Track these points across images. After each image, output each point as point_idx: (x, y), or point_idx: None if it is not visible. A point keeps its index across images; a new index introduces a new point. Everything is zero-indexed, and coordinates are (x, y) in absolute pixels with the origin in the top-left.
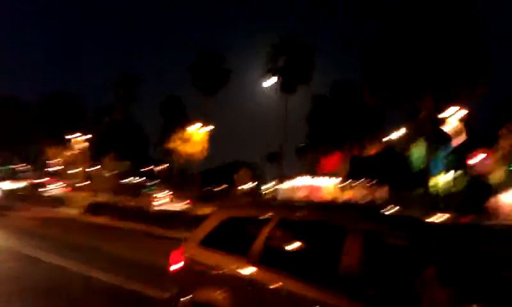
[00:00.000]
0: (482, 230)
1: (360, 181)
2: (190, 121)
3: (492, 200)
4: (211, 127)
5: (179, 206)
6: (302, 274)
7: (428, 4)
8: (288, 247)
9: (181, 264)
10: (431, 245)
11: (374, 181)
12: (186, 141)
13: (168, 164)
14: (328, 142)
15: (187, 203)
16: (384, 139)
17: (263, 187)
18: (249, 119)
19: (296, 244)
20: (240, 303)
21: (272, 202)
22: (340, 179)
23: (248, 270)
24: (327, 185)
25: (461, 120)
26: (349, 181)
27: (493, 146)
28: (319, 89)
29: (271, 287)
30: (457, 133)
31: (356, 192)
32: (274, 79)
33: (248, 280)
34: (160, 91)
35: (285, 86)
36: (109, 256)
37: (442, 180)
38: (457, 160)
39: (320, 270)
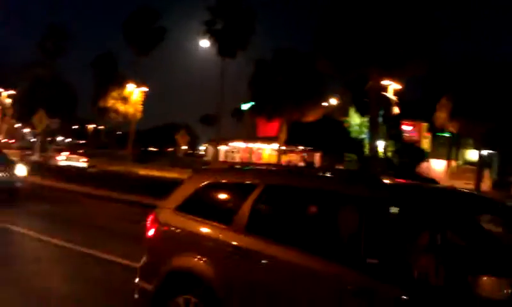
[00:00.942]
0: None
1: (297, 147)
2: (125, 80)
3: (423, 165)
4: (145, 88)
5: (80, 163)
6: (292, 243)
7: None
8: (277, 215)
9: (155, 230)
10: (428, 212)
11: (309, 148)
12: (124, 100)
13: (95, 125)
14: (269, 107)
15: (86, 161)
16: (323, 104)
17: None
18: (185, 80)
19: (285, 212)
20: (223, 271)
21: (257, 167)
22: (277, 144)
23: (233, 238)
24: (264, 150)
25: (395, 93)
26: (285, 147)
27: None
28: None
29: (259, 256)
30: (392, 105)
31: (292, 157)
32: (207, 42)
33: (233, 248)
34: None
35: (222, 50)
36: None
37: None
38: (388, 129)
39: (314, 238)
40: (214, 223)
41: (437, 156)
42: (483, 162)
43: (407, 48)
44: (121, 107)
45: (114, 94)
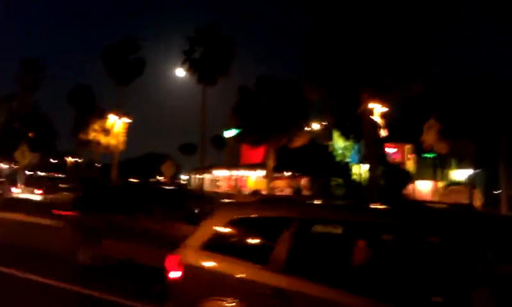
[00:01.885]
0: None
1: (285, 173)
2: (105, 112)
3: (409, 187)
4: (128, 119)
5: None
6: (340, 283)
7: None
8: (320, 252)
9: (179, 273)
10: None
11: (296, 174)
12: (106, 131)
13: (74, 158)
14: (255, 134)
15: (40, 194)
16: (308, 130)
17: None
18: (164, 110)
19: (330, 248)
20: None
21: (289, 200)
22: (263, 171)
23: (271, 279)
24: (249, 177)
25: (382, 116)
26: (267, 173)
27: (404, 139)
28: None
29: (303, 299)
30: (377, 127)
31: (279, 184)
32: (182, 71)
33: (272, 290)
34: (71, 80)
35: (202, 77)
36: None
37: (358, 170)
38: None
39: (364, 277)
40: (247, 262)
41: (422, 177)
42: (471, 181)
43: (400, 68)
44: (103, 139)
45: (96, 126)
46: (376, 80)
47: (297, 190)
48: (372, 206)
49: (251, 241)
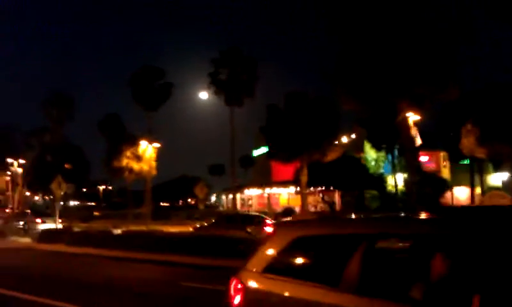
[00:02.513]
0: None
1: (316, 188)
2: (136, 138)
3: (446, 195)
4: (158, 144)
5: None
6: (421, 303)
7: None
8: (393, 270)
9: (241, 298)
10: None
11: (328, 188)
12: (138, 158)
13: (108, 185)
14: (286, 151)
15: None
16: (338, 143)
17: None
18: (192, 133)
19: (402, 265)
20: None
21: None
22: (293, 187)
23: (345, 302)
24: (281, 194)
25: (415, 124)
26: (302, 189)
27: (436, 147)
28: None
29: None
30: (414, 136)
31: (313, 199)
32: (205, 94)
33: None
34: (99, 109)
35: (228, 99)
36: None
37: (393, 181)
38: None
39: (444, 294)
40: (314, 284)
41: (458, 184)
42: (506, 184)
43: (436, 75)
44: (135, 165)
45: (128, 153)
46: (413, 89)
47: (331, 205)
48: (447, 217)
49: (316, 261)
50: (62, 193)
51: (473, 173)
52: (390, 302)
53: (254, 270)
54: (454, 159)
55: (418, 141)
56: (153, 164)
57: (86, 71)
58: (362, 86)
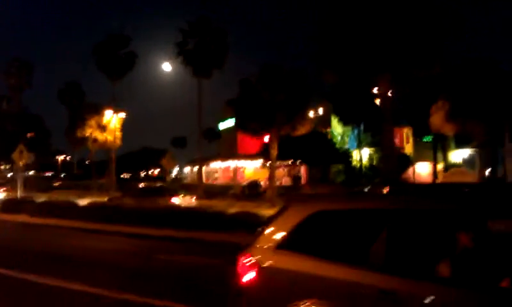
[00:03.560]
0: None
1: (283, 162)
2: (100, 108)
3: (409, 170)
4: (123, 114)
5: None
6: (450, 281)
7: None
8: (421, 247)
9: (253, 275)
10: None
11: (296, 162)
12: (102, 128)
13: (67, 155)
14: (257, 123)
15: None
16: (309, 117)
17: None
18: (154, 104)
19: (430, 241)
20: None
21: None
22: (260, 160)
23: (374, 280)
24: (245, 168)
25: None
26: (272, 162)
27: (401, 123)
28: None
29: (415, 300)
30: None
31: (280, 172)
32: (169, 65)
33: (377, 292)
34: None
35: (197, 70)
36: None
37: (358, 156)
38: (371, 136)
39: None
40: (335, 261)
41: (420, 160)
42: (468, 161)
43: (420, 50)
44: (99, 135)
45: (92, 122)
46: (397, 63)
47: (296, 179)
48: (471, 193)
49: (336, 238)
50: (24, 163)
51: (436, 150)
52: (417, 280)
53: (267, 246)
54: (417, 135)
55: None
56: (118, 134)
57: (48, 40)
58: (346, 59)
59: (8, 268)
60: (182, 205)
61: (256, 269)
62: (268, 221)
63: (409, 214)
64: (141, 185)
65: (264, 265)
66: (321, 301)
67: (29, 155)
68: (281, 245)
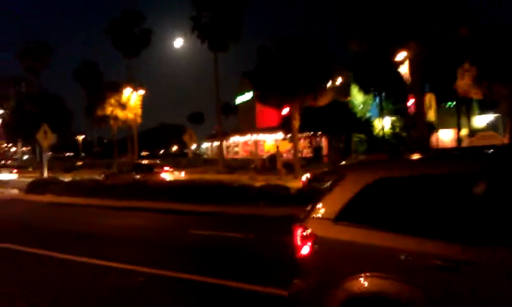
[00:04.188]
0: None
1: (303, 134)
2: (118, 86)
3: (433, 137)
4: (143, 91)
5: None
6: None
7: None
8: (498, 214)
9: (311, 248)
10: None
11: (315, 133)
12: (123, 106)
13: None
14: (278, 95)
15: (15, 172)
16: (330, 87)
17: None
18: (172, 80)
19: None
20: (434, 292)
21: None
22: (284, 133)
23: (440, 249)
24: (266, 141)
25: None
26: (294, 134)
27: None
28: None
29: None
30: (406, 78)
31: (301, 144)
32: (180, 41)
33: (443, 262)
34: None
35: (212, 44)
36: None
37: (380, 125)
38: (393, 104)
39: None
40: (401, 233)
41: (443, 127)
42: (492, 126)
43: (449, 13)
44: (120, 113)
45: (112, 100)
46: (424, 27)
47: (317, 150)
48: None
49: (400, 206)
50: (48, 143)
51: (459, 115)
52: (496, 247)
53: (324, 217)
54: (440, 101)
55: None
56: (139, 111)
57: (63, 20)
58: (372, 25)
59: (40, 247)
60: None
61: (313, 241)
62: (324, 191)
63: (488, 177)
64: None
65: (322, 238)
66: (381, 274)
67: (53, 136)
68: (340, 216)
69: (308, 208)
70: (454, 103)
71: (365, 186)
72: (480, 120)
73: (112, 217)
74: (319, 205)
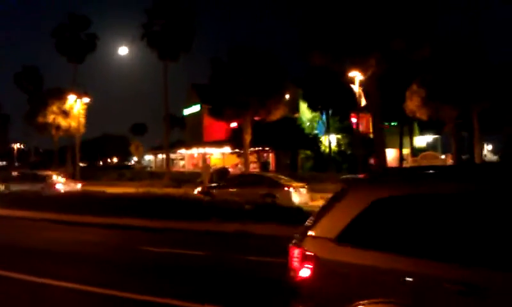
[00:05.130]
0: None
1: (252, 148)
2: (62, 92)
3: (373, 157)
4: (88, 99)
5: None
6: None
7: None
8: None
9: (309, 271)
10: None
11: (265, 147)
12: (66, 113)
13: (23, 143)
14: (230, 108)
15: None
16: (283, 101)
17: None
18: (116, 89)
19: None
20: None
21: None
22: (228, 147)
23: (455, 273)
24: (211, 155)
25: (360, 84)
26: (245, 148)
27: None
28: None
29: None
30: (360, 95)
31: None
32: (125, 49)
33: (459, 286)
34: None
35: (163, 53)
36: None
37: (326, 142)
38: (339, 121)
39: None
40: (410, 256)
41: (387, 146)
42: (431, 146)
43: (411, 30)
44: (62, 121)
45: (54, 108)
46: (388, 43)
47: (264, 165)
48: None
49: (408, 227)
50: None
51: (402, 135)
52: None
53: (324, 237)
54: (383, 120)
55: (363, 102)
56: (83, 120)
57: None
58: (335, 37)
59: None
60: (66, 191)
61: (314, 263)
62: (324, 208)
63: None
64: (15, 172)
65: (324, 260)
66: (391, 299)
67: None
68: (343, 236)
69: (307, 225)
70: (396, 123)
71: (371, 203)
72: (420, 140)
73: (54, 231)
74: (319, 224)
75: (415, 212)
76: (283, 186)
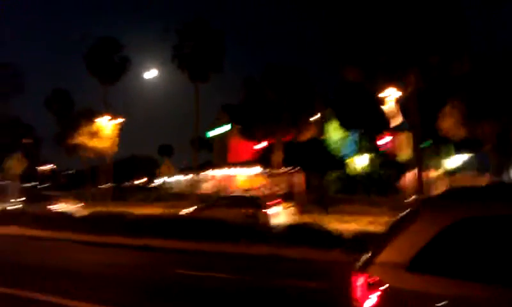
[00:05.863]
0: None
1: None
2: (94, 114)
3: (402, 178)
4: (120, 119)
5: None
6: None
7: None
8: None
9: (377, 298)
10: None
11: (294, 168)
12: (94, 135)
13: (52, 164)
14: (261, 128)
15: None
16: (314, 121)
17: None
18: (144, 110)
19: None
20: None
21: None
22: (259, 168)
23: None
24: (237, 176)
25: (397, 101)
26: (268, 169)
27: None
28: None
29: None
30: (394, 114)
31: (275, 180)
32: (153, 72)
33: None
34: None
35: (193, 74)
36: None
37: (358, 162)
38: (369, 141)
39: None
40: (491, 285)
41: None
42: (467, 166)
43: (449, 46)
44: (92, 142)
45: (85, 130)
46: (426, 57)
47: (293, 187)
48: None
49: (489, 253)
50: (22, 169)
51: (438, 155)
52: None
53: (394, 263)
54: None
55: (398, 121)
56: (116, 140)
57: (35, 45)
58: (371, 52)
59: (7, 285)
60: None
61: (383, 292)
62: (391, 231)
63: None
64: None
65: (394, 287)
66: None
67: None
68: (415, 262)
69: (371, 252)
70: (431, 142)
71: (445, 226)
72: (455, 160)
73: (85, 253)
74: (388, 249)
75: (502, 234)
76: (263, 207)
